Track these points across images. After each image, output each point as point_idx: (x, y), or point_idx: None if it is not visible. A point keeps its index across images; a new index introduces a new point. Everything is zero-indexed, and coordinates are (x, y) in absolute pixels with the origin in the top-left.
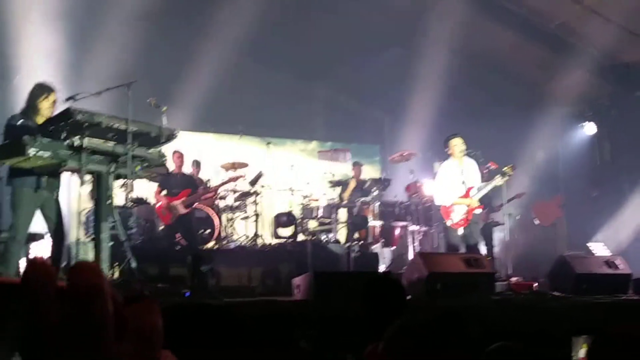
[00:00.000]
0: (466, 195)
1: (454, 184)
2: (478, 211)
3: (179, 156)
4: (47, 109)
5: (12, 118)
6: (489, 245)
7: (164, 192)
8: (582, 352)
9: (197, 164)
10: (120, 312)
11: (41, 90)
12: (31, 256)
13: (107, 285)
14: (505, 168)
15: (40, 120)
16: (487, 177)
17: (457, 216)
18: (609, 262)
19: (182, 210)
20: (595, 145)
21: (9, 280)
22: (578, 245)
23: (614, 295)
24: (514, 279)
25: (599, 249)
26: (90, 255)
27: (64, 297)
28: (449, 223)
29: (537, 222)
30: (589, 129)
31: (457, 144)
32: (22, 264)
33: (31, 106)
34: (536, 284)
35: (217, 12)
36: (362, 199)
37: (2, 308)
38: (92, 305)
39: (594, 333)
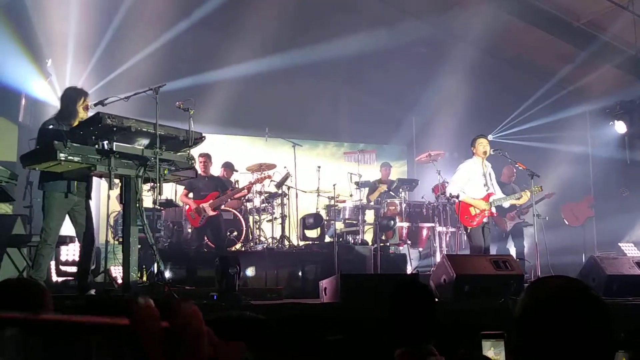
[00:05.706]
0: (486, 199)
1: (477, 183)
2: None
3: (205, 158)
4: (79, 113)
5: (46, 123)
6: (519, 247)
7: (191, 194)
8: None
9: (228, 166)
10: (212, 350)
11: (73, 94)
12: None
13: (204, 326)
14: (535, 188)
15: (73, 124)
16: (514, 181)
17: (472, 215)
18: None
19: (211, 212)
20: (626, 144)
21: (116, 322)
22: (607, 246)
23: None
24: None
25: (630, 249)
26: (119, 258)
27: (168, 337)
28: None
29: (566, 223)
30: (619, 127)
31: (483, 144)
32: (52, 266)
33: (64, 110)
34: None
35: (244, 15)
36: (389, 200)
37: (111, 348)
38: (195, 346)
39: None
